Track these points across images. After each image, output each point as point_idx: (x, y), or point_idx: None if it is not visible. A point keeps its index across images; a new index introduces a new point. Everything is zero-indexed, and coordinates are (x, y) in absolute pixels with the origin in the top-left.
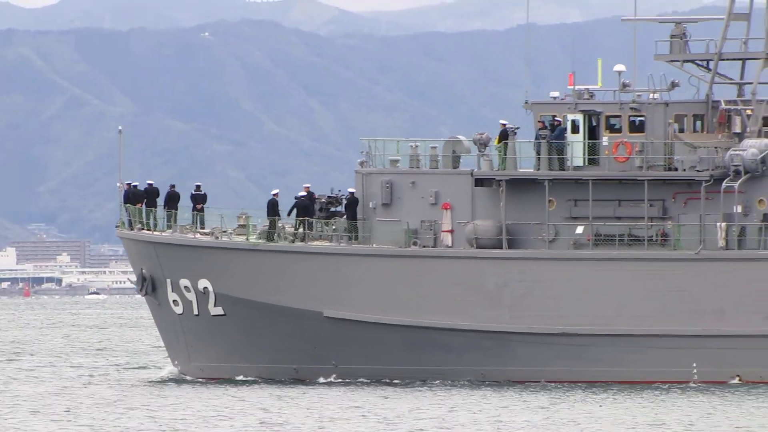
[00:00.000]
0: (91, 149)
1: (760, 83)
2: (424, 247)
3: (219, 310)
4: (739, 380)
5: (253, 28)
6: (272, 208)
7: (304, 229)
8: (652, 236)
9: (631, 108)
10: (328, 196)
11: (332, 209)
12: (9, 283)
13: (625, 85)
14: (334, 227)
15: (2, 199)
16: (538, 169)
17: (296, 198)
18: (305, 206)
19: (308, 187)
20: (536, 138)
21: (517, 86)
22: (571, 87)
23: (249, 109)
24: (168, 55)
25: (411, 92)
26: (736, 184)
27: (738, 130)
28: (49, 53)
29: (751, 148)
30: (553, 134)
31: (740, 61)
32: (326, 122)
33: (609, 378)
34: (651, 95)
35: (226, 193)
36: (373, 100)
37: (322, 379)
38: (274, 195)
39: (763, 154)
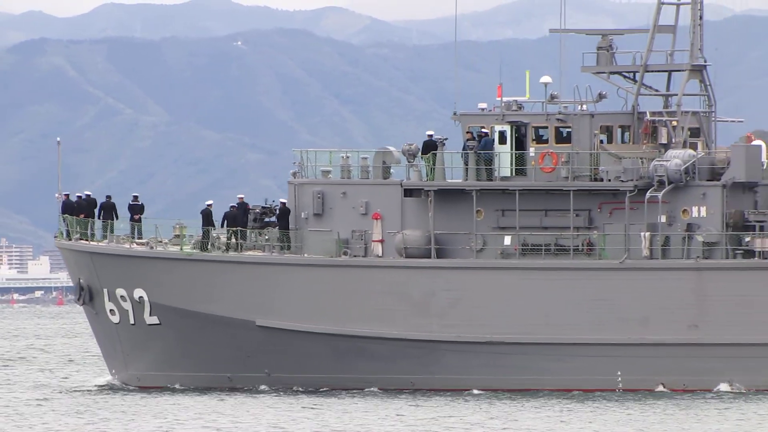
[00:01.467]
0: (124, 159)
1: (684, 95)
2: (354, 256)
3: (154, 320)
4: (664, 388)
5: (285, 38)
6: (206, 218)
7: (235, 239)
8: (578, 246)
9: (558, 119)
10: (262, 207)
11: (266, 219)
12: (42, 292)
13: (553, 97)
14: (267, 237)
15: (36, 208)
16: (466, 180)
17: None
18: (234, 216)
19: (242, 198)
20: (464, 149)
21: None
22: (500, 99)
23: (282, 118)
24: (200, 64)
25: (443, 101)
26: (660, 194)
27: (664, 141)
28: (82, 63)
29: (674, 158)
30: (480, 145)
31: (666, 73)
32: (359, 131)
33: (536, 386)
34: (580, 107)
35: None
36: (405, 109)
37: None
38: (208, 205)
39: (686, 165)
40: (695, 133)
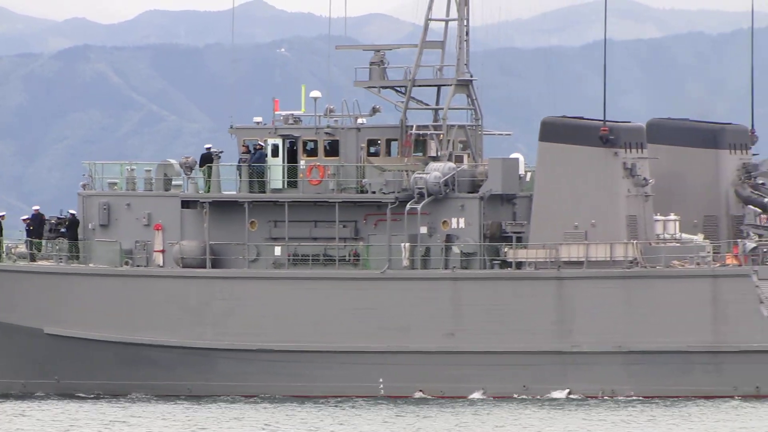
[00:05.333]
0: None
1: (451, 108)
2: (137, 266)
3: None
4: (422, 395)
5: (329, 44)
6: None
7: (30, 250)
8: (344, 256)
9: (326, 132)
10: (57, 218)
11: (61, 230)
12: None
13: (330, 111)
14: (58, 247)
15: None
16: (240, 192)
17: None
18: (30, 228)
19: (38, 209)
20: (239, 161)
21: (595, 102)
22: (278, 112)
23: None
24: (244, 71)
25: (487, 109)
26: (420, 206)
27: (434, 153)
28: (125, 69)
29: (434, 171)
30: (253, 157)
31: (436, 87)
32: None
33: (304, 393)
34: (354, 120)
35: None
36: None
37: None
38: (1, 217)
39: (445, 177)
40: (468, 146)
